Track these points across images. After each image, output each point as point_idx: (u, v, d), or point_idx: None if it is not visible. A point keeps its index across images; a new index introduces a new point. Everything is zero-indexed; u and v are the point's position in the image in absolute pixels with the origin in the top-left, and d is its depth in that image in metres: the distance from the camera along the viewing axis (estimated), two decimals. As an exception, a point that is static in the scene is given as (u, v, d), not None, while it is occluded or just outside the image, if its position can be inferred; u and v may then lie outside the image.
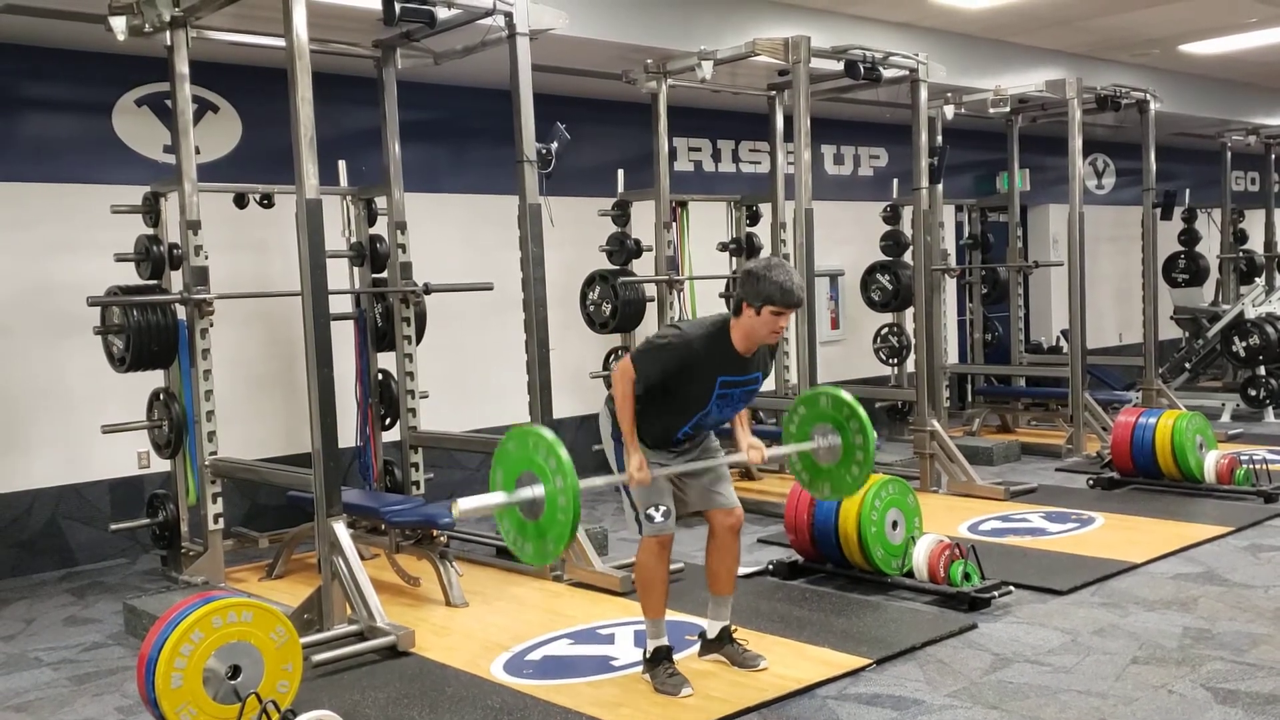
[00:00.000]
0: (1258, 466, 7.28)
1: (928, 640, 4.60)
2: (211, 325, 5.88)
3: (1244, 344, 10.43)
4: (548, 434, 3.67)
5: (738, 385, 4.12)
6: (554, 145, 5.65)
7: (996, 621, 4.86)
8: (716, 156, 9.91)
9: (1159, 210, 9.84)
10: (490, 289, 7.04)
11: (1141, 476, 7.52)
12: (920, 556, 5.27)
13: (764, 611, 5.01)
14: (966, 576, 5.14)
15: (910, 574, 5.32)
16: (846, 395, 4.39)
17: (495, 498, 3.74)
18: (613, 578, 5.50)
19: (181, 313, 5.90)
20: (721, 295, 8.90)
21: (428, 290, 6.66)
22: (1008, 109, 9.02)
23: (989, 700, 3.99)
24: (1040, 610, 5.02)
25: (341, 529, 4.90)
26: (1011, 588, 5.17)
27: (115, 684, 4.58)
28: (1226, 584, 5.30)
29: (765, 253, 8.66)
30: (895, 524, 5.42)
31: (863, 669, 4.33)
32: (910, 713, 3.92)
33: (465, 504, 3.62)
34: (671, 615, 5.07)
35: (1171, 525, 6.46)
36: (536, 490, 3.64)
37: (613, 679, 4.34)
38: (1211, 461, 7.27)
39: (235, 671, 3.71)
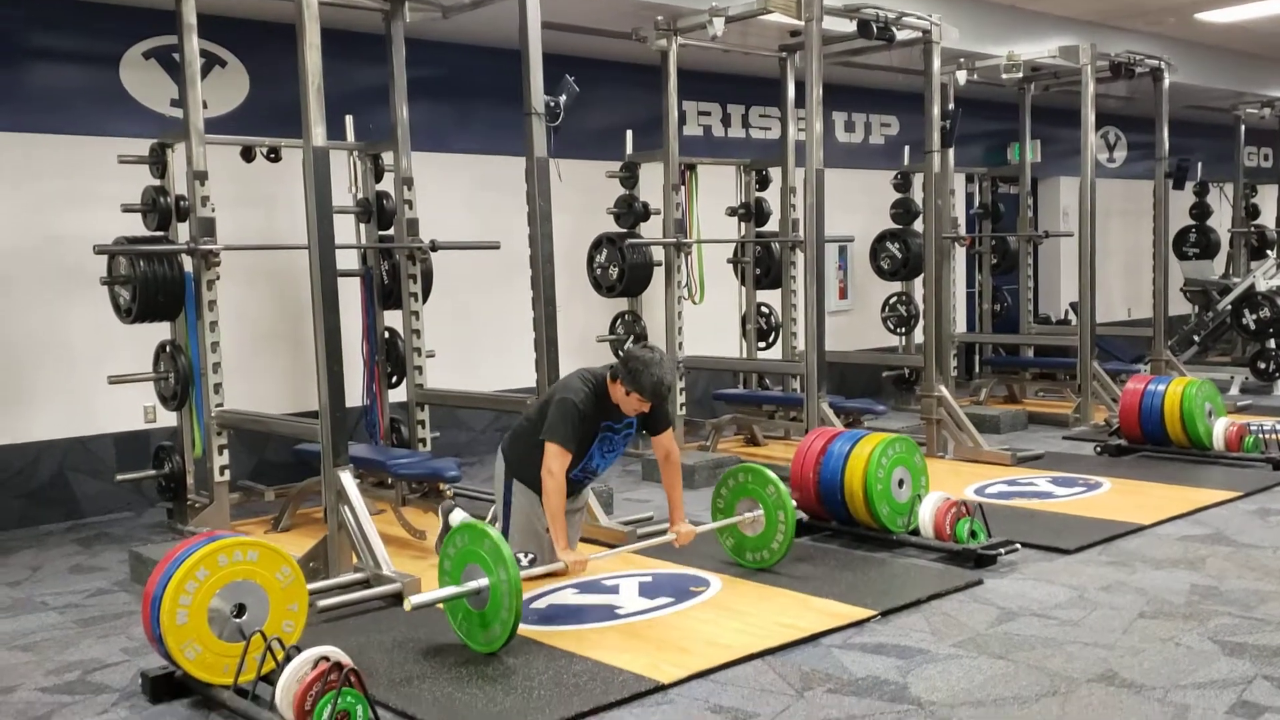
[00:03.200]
0: (1267, 435, 7.24)
1: (933, 594, 4.59)
2: (218, 277, 5.87)
3: (1254, 317, 10.39)
4: (492, 530, 4.05)
5: (616, 431, 4.76)
6: (562, 98, 5.59)
7: (1003, 578, 4.85)
8: (726, 121, 9.85)
9: (1171, 180, 9.76)
10: (497, 248, 6.99)
11: (1149, 444, 7.48)
12: (926, 514, 5.25)
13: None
14: (973, 534, 5.12)
15: (916, 532, 5.30)
16: (767, 471, 4.98)
17: (445, 590, 4.07)
18: (619, 533, 5.49)
19: (188, 264, 5.89)
20: (729, 261, 8.86)
21: (434, 247, 6.62)
22: (1020, 75, 8.92)
23: (995, 651, 3.98)
24: (1047, 568, 5.00)
25: (348, 478, 4.89)
26: (1018, 545, 5.15)
27: (121, 627, 4.58)
28: (1234, 545, 5.28)
29: (774, 220, 8.62)
30: (901, 482, 5.40)
31: (867, 620, 4.32)
32: (915, 661, 3.90)
33: (417, 599, 3.97)
34: (673, 568, 5.08)
35: (1179, 490, 6.43)
36: (481, 581, 3.99)
37: (616, 626, 4.33)
38: (1220, 429, 7.23)
39: (240, 610, 3.70)
